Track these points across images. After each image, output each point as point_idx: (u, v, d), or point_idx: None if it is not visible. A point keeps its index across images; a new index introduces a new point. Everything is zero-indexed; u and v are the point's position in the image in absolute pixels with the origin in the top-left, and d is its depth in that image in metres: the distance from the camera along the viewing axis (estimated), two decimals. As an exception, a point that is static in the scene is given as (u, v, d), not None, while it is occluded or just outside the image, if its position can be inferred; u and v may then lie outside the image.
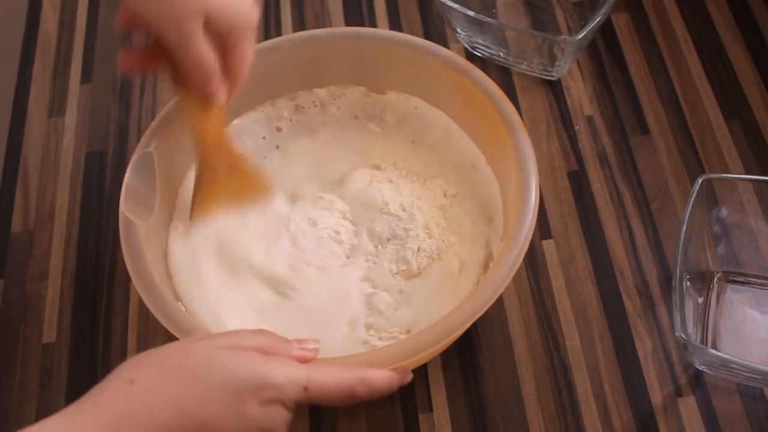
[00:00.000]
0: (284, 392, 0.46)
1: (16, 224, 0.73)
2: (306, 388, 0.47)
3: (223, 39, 0.57)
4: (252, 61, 0.59)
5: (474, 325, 0.65)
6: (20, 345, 0.67)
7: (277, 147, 0.72)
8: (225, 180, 0.63)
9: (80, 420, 0.44)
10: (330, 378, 0.48)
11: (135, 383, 0.44)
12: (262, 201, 0.66)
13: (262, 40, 0.71)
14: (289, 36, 0.71)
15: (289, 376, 0.47)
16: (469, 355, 0.65)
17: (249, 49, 0.59)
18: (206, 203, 0.64)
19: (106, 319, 0.68)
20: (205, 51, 0.56)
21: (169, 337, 0.56)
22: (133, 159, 0.62)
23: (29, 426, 0.43)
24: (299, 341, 0.51)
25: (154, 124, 0.64)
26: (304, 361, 0.50)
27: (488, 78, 0.65)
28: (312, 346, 0.51)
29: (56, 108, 0.80)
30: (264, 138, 0.71)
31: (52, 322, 0.68)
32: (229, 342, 0.47)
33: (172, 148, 0.65)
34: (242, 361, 0.46)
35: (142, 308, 0.68)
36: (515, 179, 0.60)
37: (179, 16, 0.54)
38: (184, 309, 0.59)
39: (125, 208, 0.60)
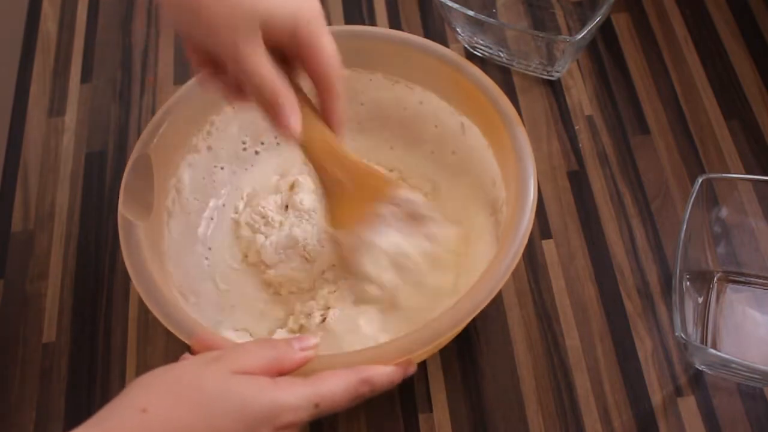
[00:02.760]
0: (297, 414, 0.47)
1: (16, 224, 0.73)
2: (317, 405, 0.47)
3: (290, 43, 0.51)
4: (336, 56, 0.52)
5: (474, 325, 0.66)
6: (20, 345, 0.67)
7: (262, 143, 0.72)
8: (351, 189, 0.58)
9: None
10: (337, 387, 0.48)
11: (148, 412, 0.44)
12: (391, 197, 0.60)
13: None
14: None
15: (301, 396, 0.47)
16: (469, 356, 0.65)
17: (326, 42, 0.52)
18: (343, 216, 0.59)
19: (106, 319, 0.68)
20: (266, 71, 0.49)
21: (170, 337, 0.56)
22: (131, 160, 0.62)
23: None
24: (299, 340, 0.51)
25: (150, 125, 0.64)
26: (308, 361, 0.50)
27: (484, 74, 0.65)
28: (312, 342, 0.51)
29: (56, 108, 0.80)
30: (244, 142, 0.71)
31: (52, 322, 0.68)
32: (239, 364, 0.47)
33: (170, 149, 0.64)
34: (254, 388, 0.46)
35: (142, 308, 0.68)
36: (513, 175, 0.60)
37: (228, 31, 0.48)
38: (184, 309, 0.59)
39: (124, 209, 0.60)
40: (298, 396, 0.47)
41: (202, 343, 0.52)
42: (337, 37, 0.69)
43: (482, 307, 0.55)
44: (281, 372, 0.49)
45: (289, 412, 0.46)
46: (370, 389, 0.50)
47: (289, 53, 0.53)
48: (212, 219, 0.68)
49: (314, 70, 0.53)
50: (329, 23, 0.83)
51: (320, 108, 0.55)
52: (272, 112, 0.52)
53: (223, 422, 0.45)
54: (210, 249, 0.67)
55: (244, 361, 0.47)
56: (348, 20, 0.85)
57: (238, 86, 0.53)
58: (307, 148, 0.56)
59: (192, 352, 0.52)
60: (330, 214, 0.60)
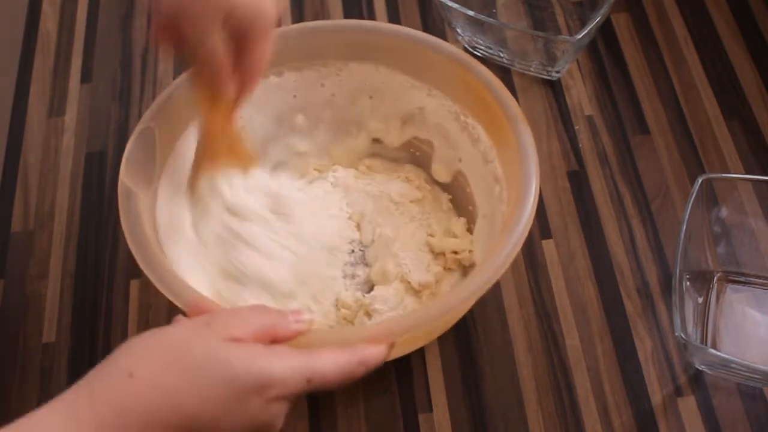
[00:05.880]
0: (288, 388, 0.46)
1: (16, 224, 0.73)
2: (309, 380, 0.47)
3: (241, 36, 0.57)
4: (268, 61, 0.59)
5: (474, 325, 0.66)
6: (20, 345, 0.67)
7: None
8: (223, 159, 0.64)
9: (77, 415, 0.43)
10: (330, 364, 0.48)
11: (134, 377, 0.43)
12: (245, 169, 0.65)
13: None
14: (290, 27, 0.70)
15: (293, 369, 0.46)
16: (469, 356, 0.65)
17: (266, 48, 0.58)
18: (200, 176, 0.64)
19: (106, 319, 0.68)
20: (217, 47, 0.56)
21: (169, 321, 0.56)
22: (135, 132, 0.62)
23: (19, 418, 0.43)
24: (294, 313, 0.50)
25: (157, 101, 0.63)
26: (302, 333, 0.49)
27: (488, 71, 0.64)
28: (307, 317, 0.50)
29: (56, 108, 0.80)
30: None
31: (52, 322, 0.68)
32: (230, 331, 0.46)
33: (175, 124, 0.64)
34: (245, 357, 0.45)
35: (142, 308, 0.68)
36: (515, 168, 0.60)
37: (198, 15, 0.54)
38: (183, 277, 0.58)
39: (125, 177, 0.59)
40: (290, 368, 0.46)
41: (197, 309, 0.51)
42: (343, 31, 0.70)
43: (484, 291, 0.54)
44: (274, 340, 0.48)
45: (280, 385, 0.45)
46: (364, 370, 0.49)
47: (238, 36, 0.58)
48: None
49: (247, 65, 0.59)
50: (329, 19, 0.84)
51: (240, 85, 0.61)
52: (212, 76, 0.58)
53: (211, 391, 0.44)
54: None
55: (235, 327, 0.46)
56: (347, 18, 0.84)
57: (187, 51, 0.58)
58: (210, 123, 0.62)
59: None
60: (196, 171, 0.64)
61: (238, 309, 0.49)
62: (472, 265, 0.65)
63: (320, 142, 0.72)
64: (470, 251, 0.66)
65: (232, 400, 0.44)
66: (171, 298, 0.54)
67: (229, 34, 0.56)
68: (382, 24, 0.78)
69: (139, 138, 0.62)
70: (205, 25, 0.55)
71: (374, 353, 0.50)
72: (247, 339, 0.46)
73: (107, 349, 0.66)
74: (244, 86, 0.60)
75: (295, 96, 0.70)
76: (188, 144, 0.66)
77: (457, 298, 0.55)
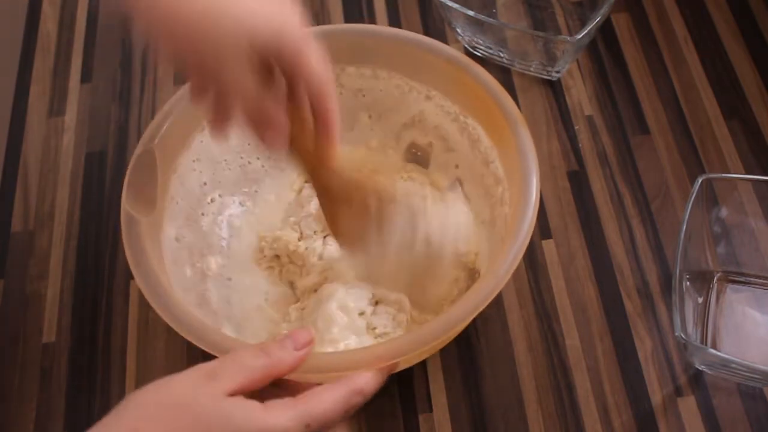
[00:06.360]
0: None
1: (16, 224, 0.73)
2: (308, 425, 0.47)
3: (277, 60, 0.50)
4: (326, 70, 0.51)
5: (474, 326, 0.66)
6: (20, 345, 0.67)
7: None
8: (344, 197, 0.59)
9: None
10: (326, 404, 0.48)
11: None
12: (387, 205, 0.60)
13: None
14: None
15: (291, 419, 0.47)
16: (469, 356, 0.65)
17: (313, 57, 0.51)
18: (342, 225, 0.60)
19: (106, 319, 0.68)
20: (249, 87, 0.49)
21: (170, 337, 0.56)
22: (135, 156, 0.62)
23: None
24: (293, 338, 0.50)
25: (155, 121, 0.64)
26: (303, 361, 0.50)
27: (486, 72, 0.64)
28: (305, 339, 0.50)
29: (56, 108, 0.80)
30: None
31: (52, 322, 0.68)
32: (234, 383, 0.46)
33: (174, 145, 0.64)
34: (247, 414, 0.46)
35: (142, 308, 0.68)
36: (516, 175, 0.60)
37: (211, 46, 0.48)
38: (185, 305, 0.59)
39: (127, 204, 0.60)
40: (288, 419, 0.46)
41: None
42: (342, 34, 0.70)
43: (485, 305, 0.54)
44: (279, 377, 0.49)
45: None
46: (363, 399, 0.50)
47: (282, 70, 0.52)
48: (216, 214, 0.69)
49: (304, 86, 0.53)
50: (329, 23, 0.84)
51: (315, 121, 0.55)
52: (256, 127, 0.52)
53: None
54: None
55: (238, 378, 0.47)
56: (348, 20, 0.85)
57: (221, 108, 0.52)
58: (298, 160, 0.57)
59: None
60: (329, 222, 0.61)
61: (240, 356, 0.49)
62: (475, 269, 0.65)
63: None
64: (476, 254, 0.66)
65: None
66: (179, 331, 0.54)
67: (265, 70, 0.50)
68: (379, 27, 0.78)
69: (140, 162, 0.62)
70: (227, 61, 0.48)
71: (368, 380, 0.50)
72: (251, 386, 0.47)
73: (107, 349, 0.66)
74: (319, 112, 0.53)
75: None
76: (190, 164, 0.66)
77: (462, 312, 0.54)
